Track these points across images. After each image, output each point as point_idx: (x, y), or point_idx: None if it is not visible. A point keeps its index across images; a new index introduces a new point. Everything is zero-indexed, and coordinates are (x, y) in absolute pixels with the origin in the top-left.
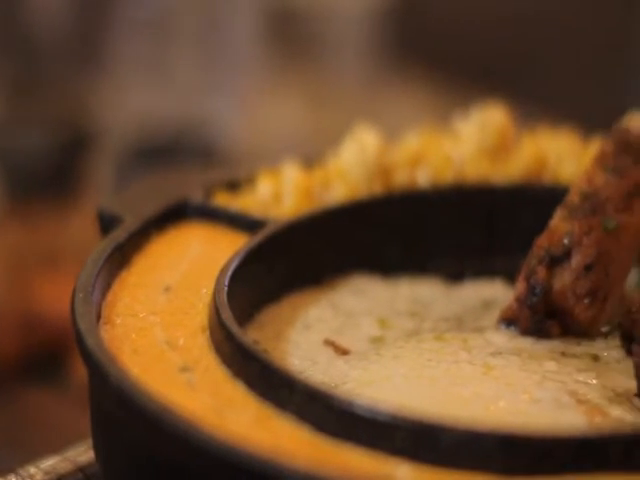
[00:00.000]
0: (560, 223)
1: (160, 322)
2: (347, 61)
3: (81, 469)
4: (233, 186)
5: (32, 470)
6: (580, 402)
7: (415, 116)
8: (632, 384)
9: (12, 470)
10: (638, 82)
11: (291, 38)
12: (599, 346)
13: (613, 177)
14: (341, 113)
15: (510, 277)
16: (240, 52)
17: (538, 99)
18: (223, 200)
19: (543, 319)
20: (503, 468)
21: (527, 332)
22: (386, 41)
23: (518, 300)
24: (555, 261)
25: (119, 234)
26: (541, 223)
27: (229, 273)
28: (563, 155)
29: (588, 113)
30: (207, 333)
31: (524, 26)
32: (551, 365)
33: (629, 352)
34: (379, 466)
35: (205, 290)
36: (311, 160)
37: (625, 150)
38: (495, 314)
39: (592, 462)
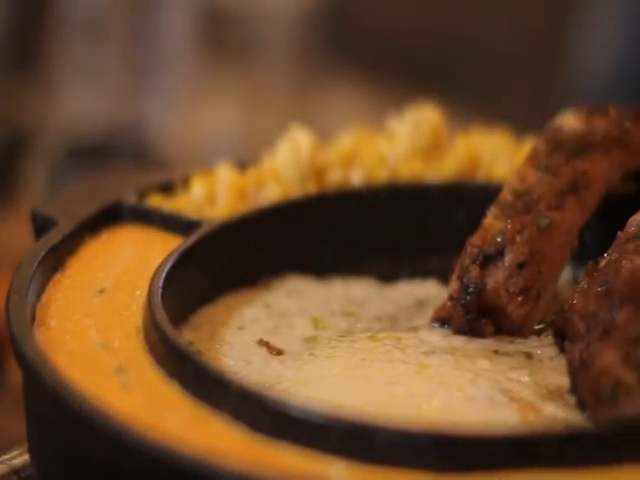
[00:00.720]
0: (493, 222)
1: (95, 324)
2: (281, 62)
3: (15, 471)
4: (167, 188)
5: None
6: (513, 400)
7: (349, 116)
8: (565, 381)
9: None
10: (570, 82)
11: (225, 40)
12: (532, 344)
13: (545, 175)
14: (275, 114)
15: (444, 276)
16: (174, 54)
17: (472, 99)
18: (157, 202)
19: (476, 318)
20: (437, 466)
21: (461, 331)
22: (319, 42)
23: (452, 299)
24: (488, 259)
25: (53, 237)
26: (474, 222)
27: (163, 275)
28: (496, 154)
29: (521, 112)
30: (142, 335)
31: (458, 26)
32: (484, 363)
33: (562, 349)
34: (314, 465)
35: (139, 292)
36: (245, 161)
37: (557, 149)
38: (429, 313)
39: (525, 459)
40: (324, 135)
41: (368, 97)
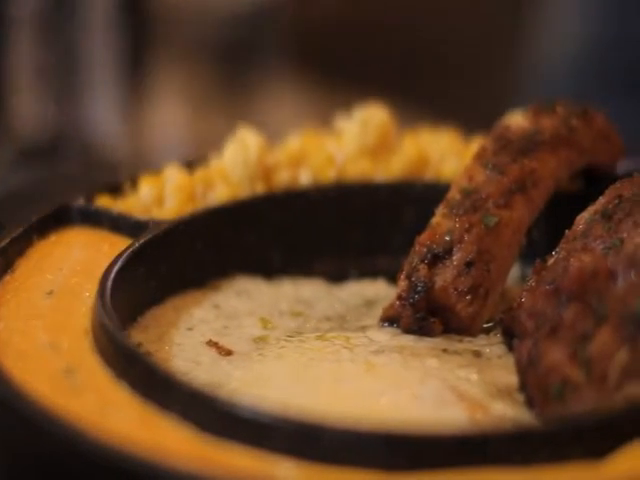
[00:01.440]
0: (441, 221)
1: (43, 325)
2: (229, 63)
3: None
4: (115, 189)
5: None
6: (462, 398)
7: (297, 117)
8: (513, 379)
9: None
10: (518, 81)
11: (174, 41)
12: (481, 342)
13: (493, 174)
14: (223, 115)
15: (392, 275)
16: (123, 55)
17: (420, 98)
18: (105, 203)
19: (425, 317)
20: (385, 465)
21: (409, 330)
22: (269, 43)
23: (400, 298)
24: (437, 259)
25: (1, 239)
26: (423, 221)
27: (111, 276)
28: (444, 153)
29: (470, 111)
30: (90, 336)
31: (406, 26)
32: (433, 362)
33: (510, 348)
34: (262, 465)
35: (88, 293)
36: (193, 162)
37: (505, 147)
38: (378, 312)
39: (474, 458)
40: (272, 136)
41: (316, 97)
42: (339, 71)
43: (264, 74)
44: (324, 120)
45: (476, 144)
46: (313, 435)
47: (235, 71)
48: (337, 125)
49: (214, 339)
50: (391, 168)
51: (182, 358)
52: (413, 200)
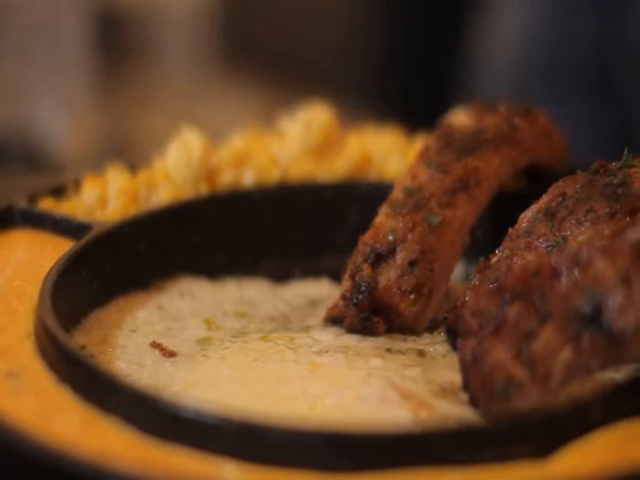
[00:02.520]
0: (385, 220)
1: None
2: (173, 64)
3: None
4: (58, 192)
5: None
6: (406, 397)
7: (241, 117)
8: (457, 378)
9: None
10: (460, 79)
11: (116, 42)
12: (425, 341)
13: (436, 173)
14: (166, 116)
15: (336, 275)
16: (66, 56)
17: (363, 96)
18: (48, 205)
19: (369, 316)
20: (329, 465)
21: (353, 329)
22: (211, 44)
23: (344, 298)
24: (380, 258)
25: None
26: (367, 221)
27: (54, 278)
28: (388, 152)
29: (412, 110)
30: (33, 339)
31: (350, 26)
32: (377, 362)
33: (454, 346)
34: (205, 467)
35: (31, 296)
36: (137, 164)
37: (448, 146)
38: (322, 312)
39: (418, 457)
40: (216, 136)
41: (260, 98)
42: (283, 71)
43: (209, 74)
44: (267, 120)
45: (419, 143)
46: (256, 436)
47: (180, 71)
48: (281, 125)
49: (158, 341)
50: (335, 168)
51: (126, 360)
52: (357, 200)
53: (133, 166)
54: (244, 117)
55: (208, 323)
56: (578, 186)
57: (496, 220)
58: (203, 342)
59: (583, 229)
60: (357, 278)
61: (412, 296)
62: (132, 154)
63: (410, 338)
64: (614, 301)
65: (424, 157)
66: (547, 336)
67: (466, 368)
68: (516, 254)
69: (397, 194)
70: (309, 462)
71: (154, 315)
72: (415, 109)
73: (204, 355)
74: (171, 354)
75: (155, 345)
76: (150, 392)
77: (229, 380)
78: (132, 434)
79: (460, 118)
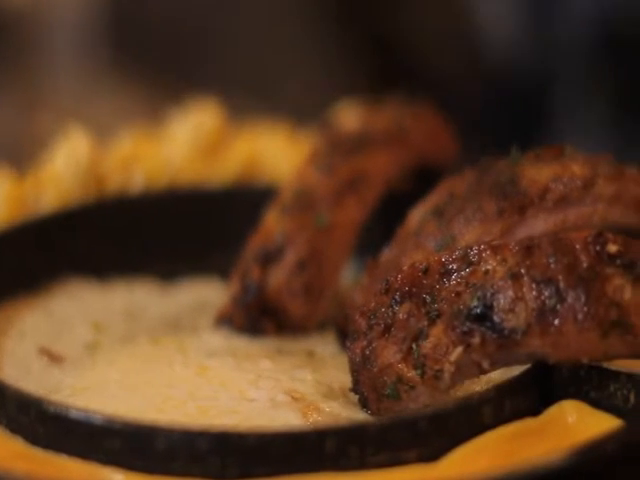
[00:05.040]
0: (274, 221)
1: None
2: (59, 64)
3: None
4: None
5: None
6: (295, 399)
7: (129, 117)
8: (347, 379)
9: None
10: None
11: (1, 43)
12: (315, 342)
13: (324, 174)
14: (54, 117)
15: (226, 277)
16: None
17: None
18: None
19: (258, 317)
20: (218, 470)
21: (243, 331)
22: (98, 43)
23: (233, 299)
24: (269, 259)
25: None
26: (256, 222)
27: None
28: (277, 153)
29: (301, 110)
30: None
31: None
32: (267, 363)
33: (343, 347)
34: (93, 476)
35: None
36: (23, 167)
37: (336, 147)
38: (212, 314)
39: (308, 459)
40: (105, 134)
41: (149, 98)
42: (172, 72)
43: (98, 75)
44: (155, 120)
45: (309, 144)
46: (145, 441)
47: (68, 72)
48: (169, 126)
49: (46, 346)
50: (223, 169)
51: (13, 366)
52: (246, 201)
53: (20, 170)
54: (133, 118)
55: (97, 327)
56: (466, 184)
57: (386, 220)
58: (92, 346)
59: (472, 227)
60: (246, 279)
61: (301, 297)
62: (20, 154)
63: (300, 339)
64: (504, 299)
65: (313, 158)
66: (437, 336)
67: (356, 369)
68: (405, 254)
69: (286, 195)
70: (197, 467)
71: (42, 319)
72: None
73: (92, 360)
74: (59, 359)
75: (43, 351)
76: (35, 399)
77: (118, 385)
78: (18, 443)
79: (348, 118)
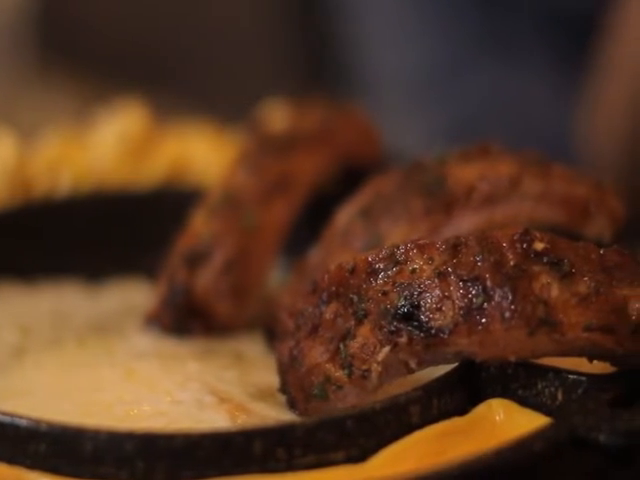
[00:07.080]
0: (201, 222)
1: None
2: None
3: None
4: None
5: None
6: (223, 400)
7: (57, 117)
8: (275, 379)
9: None
10: (271, 78)
11: None
12: (243, 342)
13: (253, 175)
14: None
15: (154, 279)
16: None
17: (183, 96)
18: None
19: (186, 318)
20: (145, 473)
21: (171, 332)
22: (24, 44)
23: (161, 301)
24: (197, 260)
25: None
26: (183, 224)
27: None
28: (205, 154)
29: (229, 109)
30: None
31: (162, 21)
32: (194, 365)
33: (271, 347)
34: None
35: None
36: None
37: (263, 147)
38: (139, 316)
39: (235, 461)
40: (31, 137)
41: (76, 97)
42: (101, 71)
43: (25, 74)
44: (83, 120)
45: (237, 144)
46: (71, 446)
47: None
48: (96, 129)
49: None
50: (151, 171)
51: None
52: (174, 203)
53: None
54: (61, 117)
55: (23, 330)
56: (393, 184)
57: (314, 221)
58: (18, 350)
59: (399, 227)
60: (174, 280)
61: (229, 297)
62: None
63: (228, 339)
64: (431, 298)
65: (240, 159)
66: (364, 335)
67: (283, 369)
68: (332, 254)
69: (214, 196)
70: (124, 471)
71: None
72: (229, 100)
73: (18, 364)
74: None
75: None
76: None
77: (45, 390)
78: None
79: (276, 118)
